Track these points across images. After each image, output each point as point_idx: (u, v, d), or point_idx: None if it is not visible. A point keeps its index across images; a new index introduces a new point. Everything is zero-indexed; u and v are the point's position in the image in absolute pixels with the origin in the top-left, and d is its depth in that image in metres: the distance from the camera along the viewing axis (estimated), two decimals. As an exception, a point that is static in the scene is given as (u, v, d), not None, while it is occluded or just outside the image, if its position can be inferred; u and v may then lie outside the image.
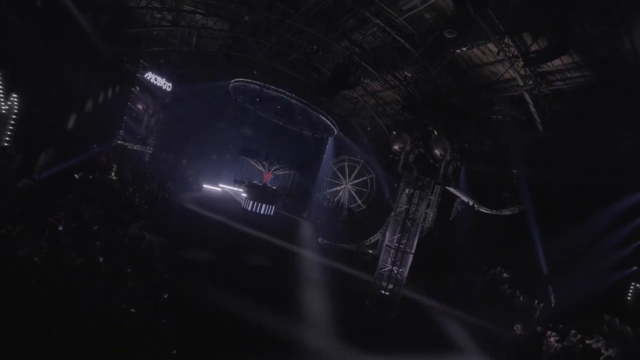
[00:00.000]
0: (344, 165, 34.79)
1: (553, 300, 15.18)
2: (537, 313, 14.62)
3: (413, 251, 13.94)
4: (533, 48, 14.27)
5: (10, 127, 12.84)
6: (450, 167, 13.04)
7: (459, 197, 21.34)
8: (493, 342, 12.75)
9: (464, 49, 16.05)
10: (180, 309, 8.42)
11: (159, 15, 21.30)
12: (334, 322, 11.20)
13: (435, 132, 12.90)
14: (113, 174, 18.06)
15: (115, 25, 18.33)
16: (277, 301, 11.67)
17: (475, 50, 16.42)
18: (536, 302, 15.11)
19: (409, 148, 13.06)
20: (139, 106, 26.88)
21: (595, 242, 14.79)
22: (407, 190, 14.29)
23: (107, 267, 7.96)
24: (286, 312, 10.96)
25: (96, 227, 9.96)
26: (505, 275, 17.74)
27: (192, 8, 21.09)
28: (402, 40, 17.77)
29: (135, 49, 21.76)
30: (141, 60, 24.22)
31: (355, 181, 34.60)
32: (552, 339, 12.02)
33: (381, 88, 25.31)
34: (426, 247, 18.14)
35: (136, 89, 25.11)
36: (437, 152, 12.78)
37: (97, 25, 16.10)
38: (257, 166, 29.50)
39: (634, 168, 13.32)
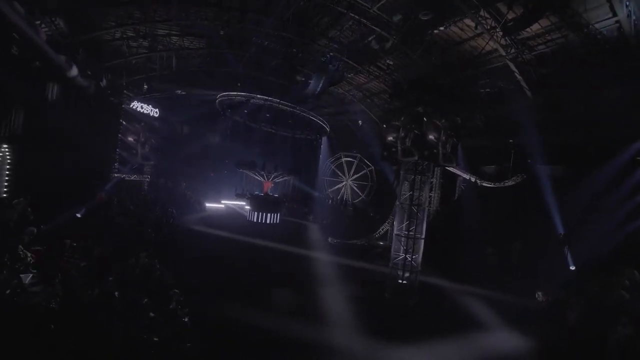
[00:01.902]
0: (342, 162, 34.78)
1: (571, 262, 15.15)
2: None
3: (423, 236, 13.92)
4: (510, 16, 14.31)
5: (7, 178, 12.88)
6: (448, 145, 13.03)
7: (460, 176, 21.35)
8: (516, 313, 12.72)
9: (442, 28, 16.09)
10: (203, 330, 8.42)
11: (135, 44, 21.36)
12: (357, 319, 11.18)
13: (425, 114, 12.88)
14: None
15: (93, 61, 18.35)
16: (297, 306, 11.66)
17: (453, 28, 16.46)
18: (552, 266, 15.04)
19: (403, 134, 13.03)
20: (130, 137, 26.88)
21: (602, 197, 14.78)
22: (408, 177, 14.27)
23: (124, 300, 7.96)
24: (307, 316, 10.94)
25: (107, 263, 9.97)
26: (517, 244, 17.70)
27: (167, 31, 21.15)
28: (379, 30, 17.80)
29: (117, 81, 21.78)
30: (125, 91, 24.23)
31: (355, 176, 34.60)
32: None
33: (366, 80, 25.35)
34: (435, 230, 18.14)
35: (123, 120, 25.10)
36: (431, 135, 12.77)
37: (75, 64, 16.11)
38: (256, 177, 29.50)
39: (626, 117, 13.32)
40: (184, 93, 28.42)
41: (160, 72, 24.13)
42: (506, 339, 10.92)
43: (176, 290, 8.98)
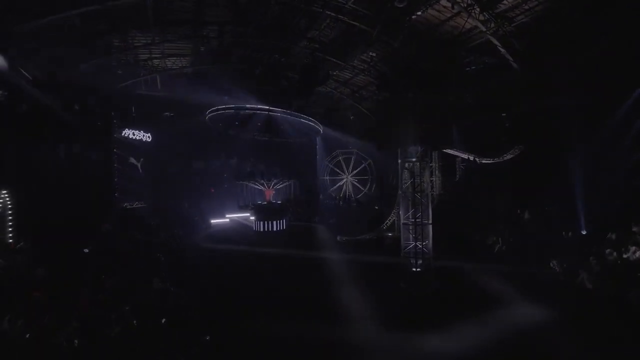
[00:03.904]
0: (340, 160, 34.83)
1: (582, 226, 15.11)
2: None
3: (431, 222, 13.91)
4: (485, -8, 14.31)
5: (10, 223, 12.89)
6: (442, 127, 13.03)
7: (459, 156, 21.35)
8: (533, 285, 12.70)
9: (419, 13, 16.07)
10: (225, 346, 8.41)
11: (119, 72, 21.38)
12: (378, 314, 11.15)
13: (415, 100, 12.88)
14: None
15: (79, 95, 18.37)
16: (316, 309, 11.61)
17: (430, 11, 16.44)
18: (564, 233, 15.06)
19: (396, 123, 13.03)
20: (126, 164, 26.84)
21: (605, 157, 14.75)
22: (407, 165, 14.25)
23: (144, 328, 7.96)
24: (328, 317, 10.89)
25: (120, 292, 9.97)
26: (527, 216, 17.67)
27: (148, 55, 21.18)
28: (357, 24, 17.83)
29: (105, 111, 21.76)
30: (114, 120, 24.19)
31: (355, 171, 34.64)
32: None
33: (352, 75, 25.38)
34: (442, 213, 18.11)
35: (116, 149, 25.05)
36: (424, 119, 12.76)
37: (61, 100, 16.16)
38: (256, 186, 29.55)
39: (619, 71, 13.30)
40: (172, 115, 28.33)
41: (148, 95, 24.15)
42: (529, 312, 10.88)
43: (193, 310, 9.00)
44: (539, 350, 8.84)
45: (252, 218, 29.51)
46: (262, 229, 27.21)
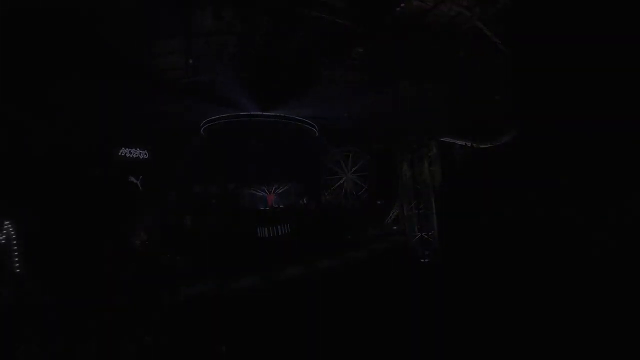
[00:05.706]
0: (338, 159, 34.74)
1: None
2: None
3: (434, 211, 13.91)
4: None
5: (15, 253, 12.88)
6: (436, 116, 13.04)
7: (456, 144, 21.32)
8: (551, 265, 12.64)
9: (402, 5, 16.06)
10: (246, 352, 8.41)
11: (110, 88, 21.28)
12: (392, 310, 11.12)
13: (410, 91, 12.89)
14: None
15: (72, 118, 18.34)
16: (331, 311, 11.57)
17: (414, 2, 16.43)
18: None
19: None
20: (127, 182, 26.83)
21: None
22: (405, 157, 14.25)
23: (158, 344, 7.94)
24: (346, 318, 10.84)
25: (129, 309, 9.97)
26: (532, 195, 17.54)
27: (137, 70, 21.11)
28: (342, 21, 17.82)
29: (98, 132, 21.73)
30: (107, 142, 24.15)
31: (354, 169, 34.56)
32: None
33: (342, 73, 25.27)
34: (444, 203, 18.08)
35: (115, 169, 25.05)
36: (417, 110, 12.77)
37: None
38: (258, 193, 29.54)
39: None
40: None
41: (140, 111, 24.04)
42: (547, 291, 10.86)
43: (208, 321, 8.98)
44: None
45: (256, 224, 29.48)
46: (266, 235, 27.18)
